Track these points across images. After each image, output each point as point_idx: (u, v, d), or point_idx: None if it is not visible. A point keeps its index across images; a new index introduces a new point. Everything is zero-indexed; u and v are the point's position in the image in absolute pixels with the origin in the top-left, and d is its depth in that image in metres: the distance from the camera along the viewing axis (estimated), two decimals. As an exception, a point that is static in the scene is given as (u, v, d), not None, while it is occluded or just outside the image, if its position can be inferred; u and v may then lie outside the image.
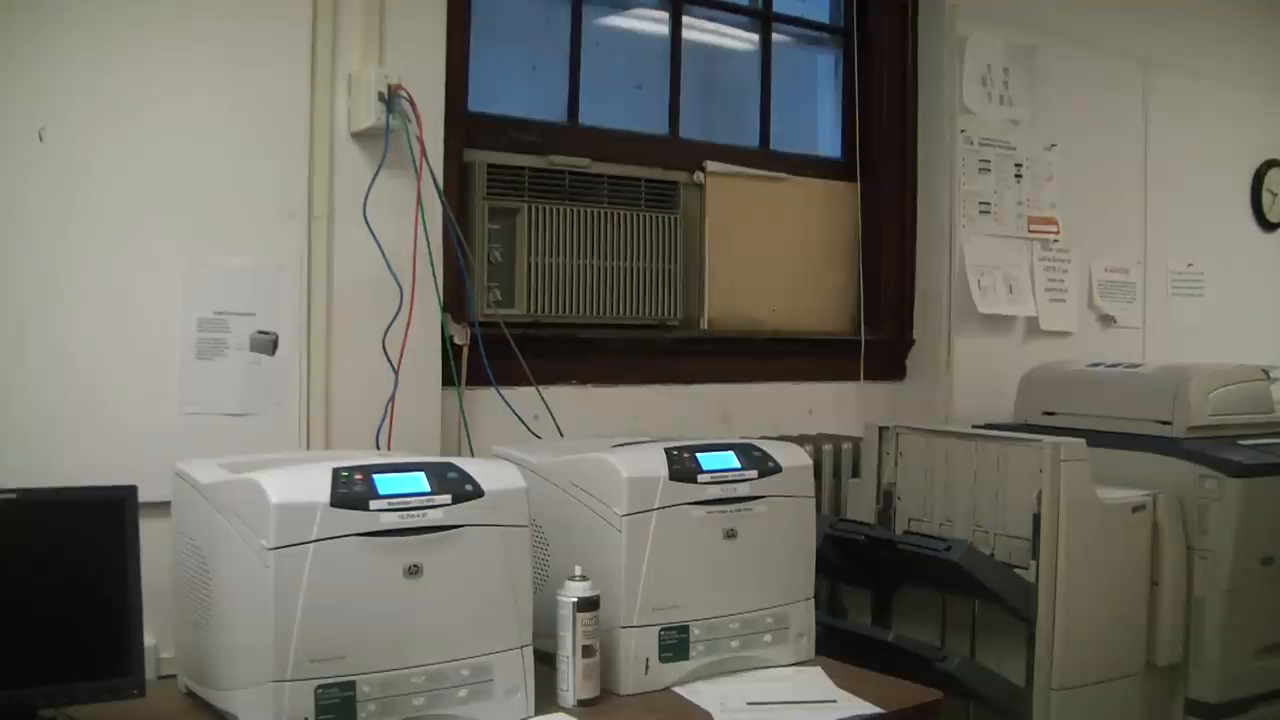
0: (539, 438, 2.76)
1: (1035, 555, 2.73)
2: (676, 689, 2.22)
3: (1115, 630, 2.94)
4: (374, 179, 2.52)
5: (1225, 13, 4.53)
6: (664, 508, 2.21)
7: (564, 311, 2.96)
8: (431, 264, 2.60)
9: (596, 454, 2.27)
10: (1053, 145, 3.91)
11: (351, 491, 1.86)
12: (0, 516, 1.84)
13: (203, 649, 2.01)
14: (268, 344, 2.43)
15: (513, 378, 2.77)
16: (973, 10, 3.70)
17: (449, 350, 2.69)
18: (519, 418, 2.76)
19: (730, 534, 2.28)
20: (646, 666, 2.21)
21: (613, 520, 2.19)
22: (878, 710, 2.13)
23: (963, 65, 3.66)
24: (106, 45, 2.25)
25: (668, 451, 2.26)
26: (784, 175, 3.44)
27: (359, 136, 2.54)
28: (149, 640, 1.99)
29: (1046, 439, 2.81)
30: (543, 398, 2.81)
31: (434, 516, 1.91)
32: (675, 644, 2.24)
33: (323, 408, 2.49)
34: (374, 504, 1.87)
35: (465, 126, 2.83)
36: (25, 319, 2.18)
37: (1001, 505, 2.82)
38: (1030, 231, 3.84)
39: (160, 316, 2.32)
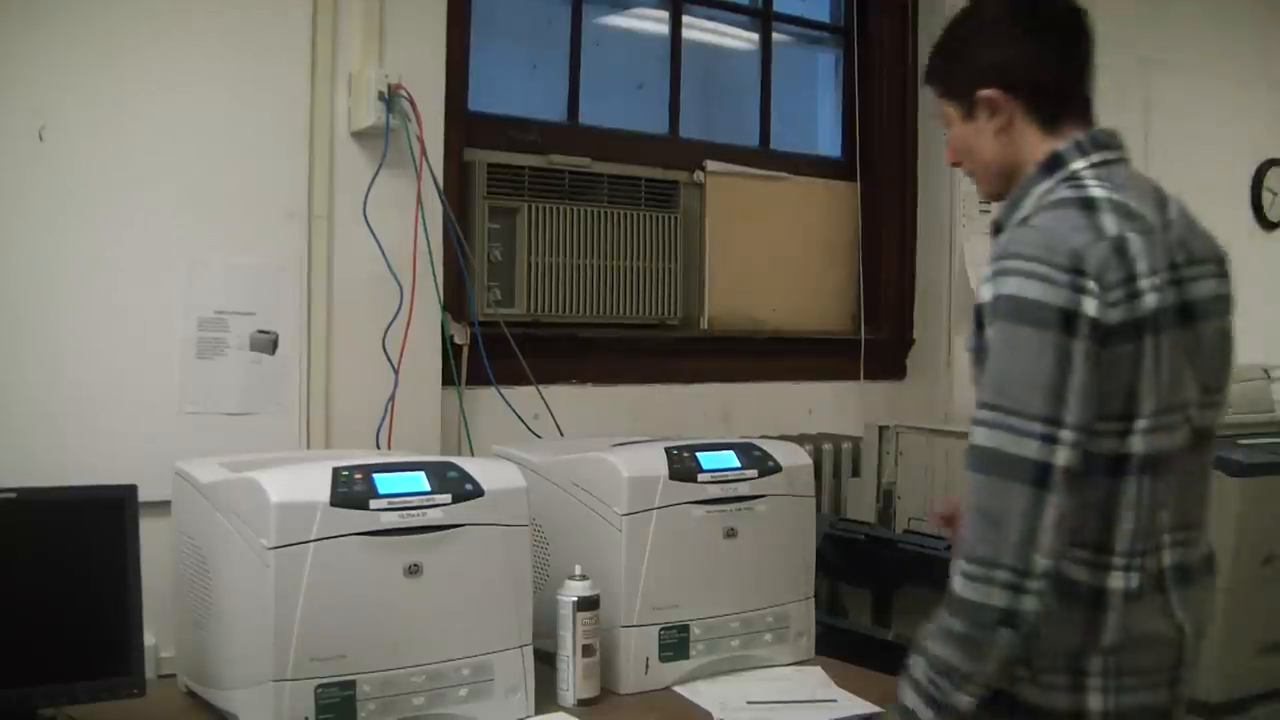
0: (539, 437, 2.76)
1: (1035, 554, 2.73)
2: (677, 688, 2.22)
3: (1116, 629, 2.94)
4: (374, 178, 2.52)
5: (1225, 13, 4.53)
6: (664, 507, 2.21)
7: (564, 311, 2.96)
8: (431, 263, 2.60)
9: (596, 453, 2.28)
10: (1053, 144, 3.90)
11: (352, 491, 1.86)
12: (0, 516, 1.84)
13: (203, 648, 2.01)
14: (268, 343, 2.43)
15: (513, 377, 2.77)
16: (973, 9, 3.69)
17: (449, 350, 2.68)
18: (519, 417, 2.76)
19: (730, 533, 2.28)
20: (646, 666, 2.21)
21: (613, 520, 2.19)
22: (878, 709, 2.13)
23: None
24: (106, 45, 2.25)
25: (668, 451, 2.26)
26: (784, 175, 3.44)
27: (359, 136, 2.53)
28: (149, 640, 1.99)
29: (1047, 438, 2.81)
30: (543, 397, 2.81)
31: (434, 516, 1.91)
32: (675, 643, 2.24)
33: (323, 407, 2.49)
34: (374, 503, 1.87)
35: (465, 126, 2.82)
36: (25, 318, 2.18)
37: (1002, 504, 2.82)
38: (1030, 231, 3.83)
39: (160, 316, 2.32)
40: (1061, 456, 1.45)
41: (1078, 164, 1.60)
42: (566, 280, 2.96)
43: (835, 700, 2.19)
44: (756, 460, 2.32)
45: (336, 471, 1.88)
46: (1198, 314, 1.59)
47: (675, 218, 3.14)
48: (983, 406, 1.49)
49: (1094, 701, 1.54)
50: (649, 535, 2.19)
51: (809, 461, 2.45)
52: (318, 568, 1.81)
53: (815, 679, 2.31)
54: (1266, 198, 4.71)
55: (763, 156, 3.47)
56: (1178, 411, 1.56)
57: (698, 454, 2.27)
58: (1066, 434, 1.45)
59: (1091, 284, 1.47)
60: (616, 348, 3.06)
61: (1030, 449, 1.45)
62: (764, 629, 2.35)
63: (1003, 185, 1.68)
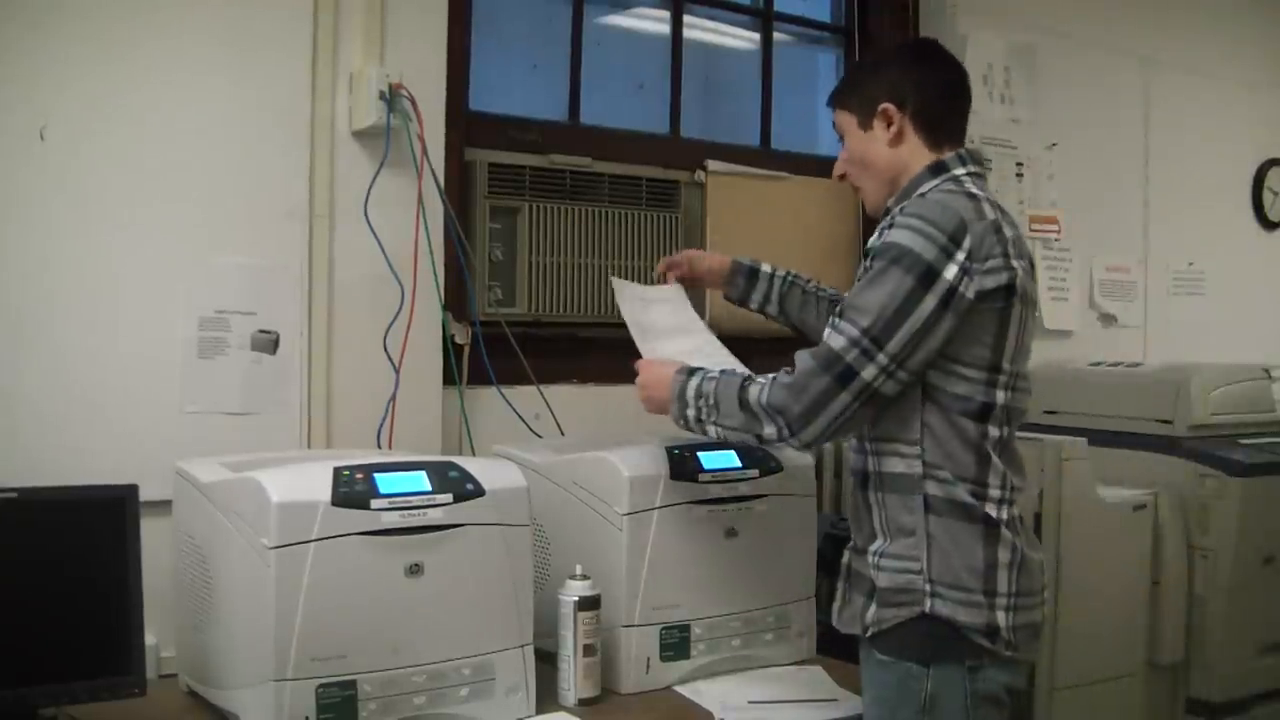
0: (540, 437, 2.76)
1: (1036, 554, 2.73)
2: (677, 688, 2.22)
3: (1116, 629, 2.95)
4: (375, 178, 2.52)
5: (1225, 12, 4.53)
6: (665, 506, 2.21)
7: (565, 310, 2.96)
8: (432, 263, 2.60)
9: (597, 453, 2.27)
10: (1054, 144, 3.91)
11: (353, 490, 1.86)
12: (1, 516, 1.84)
13: (204, 648, 2.01)
14: (269, 343, 2.43)
15: (514, 377, 2.77)
16: (974, 9, 3.70)
17: (450, 349, 2.68)
18: (520, 417, 2.76)
19: (731, 533, 2.28)
20: (647, 665, 2.21)
21: (614, 519, 2.19)
22: (879, 709, 2.13)
23: (964, 64, 3.66)
24: (107, 44, 2.25)
25: (669, 450, 2.26)
26: (785, 174, 3.43)
27: (360, 135, 2.53)
28: (150, 639, 1.99)
29: (1048, 438, 2.81)
30: (544, 397, 2.80)
31: (435, 515, 1.91)
32: (676, 643, 2.24)
33: (324, 407, 2.49)
34: (375, 503, 1.87)
35: (466, 125, 2.82)
36: (26, 318, 2.18)
37: (1002, 504, 2.82)
38: (1031, 230, 3.84)
39: (161, 315, 2.31)
40: (869, 373, 1.79)
41: (959, 171, 1.94)
42: (567, 280, 2.95)
43: (835, 700, 2.19)
44: (758, 460, 2.32)
45: (337, 471, 1.88)
46: (1032, 304, 1.91)
47: (676, 217, 3.14)
48: (838, 315, 1.83)
49: (1002, 618, 1.82)
50: (650, 535, 2.19)
51: (810, 461, 2.45)
52: (319, 567, 1.81)
53: (816, 678, 2.31)
54: (1267, 197, 4.72)
55: (763, 156, 3.47)
56: (1026, 378, 1.91)
57: (699, 453, 2.27)
58: (882, 358, 1.78)
59: (960, 255, 1.79)
60: (617, 347, 3.03)
61: (851, 355, 1.79)
62: (765, 629, 2.35)
63: (886, 194, 2.00)
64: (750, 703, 2.16)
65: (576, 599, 2.12)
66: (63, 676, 1.85)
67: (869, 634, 1.89)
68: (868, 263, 1.85)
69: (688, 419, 2.00)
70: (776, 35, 3.56)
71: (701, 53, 3.43)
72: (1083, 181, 3.98)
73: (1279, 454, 3.19)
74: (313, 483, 1.85)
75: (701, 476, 2.24)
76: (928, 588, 1.83)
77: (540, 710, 2.05)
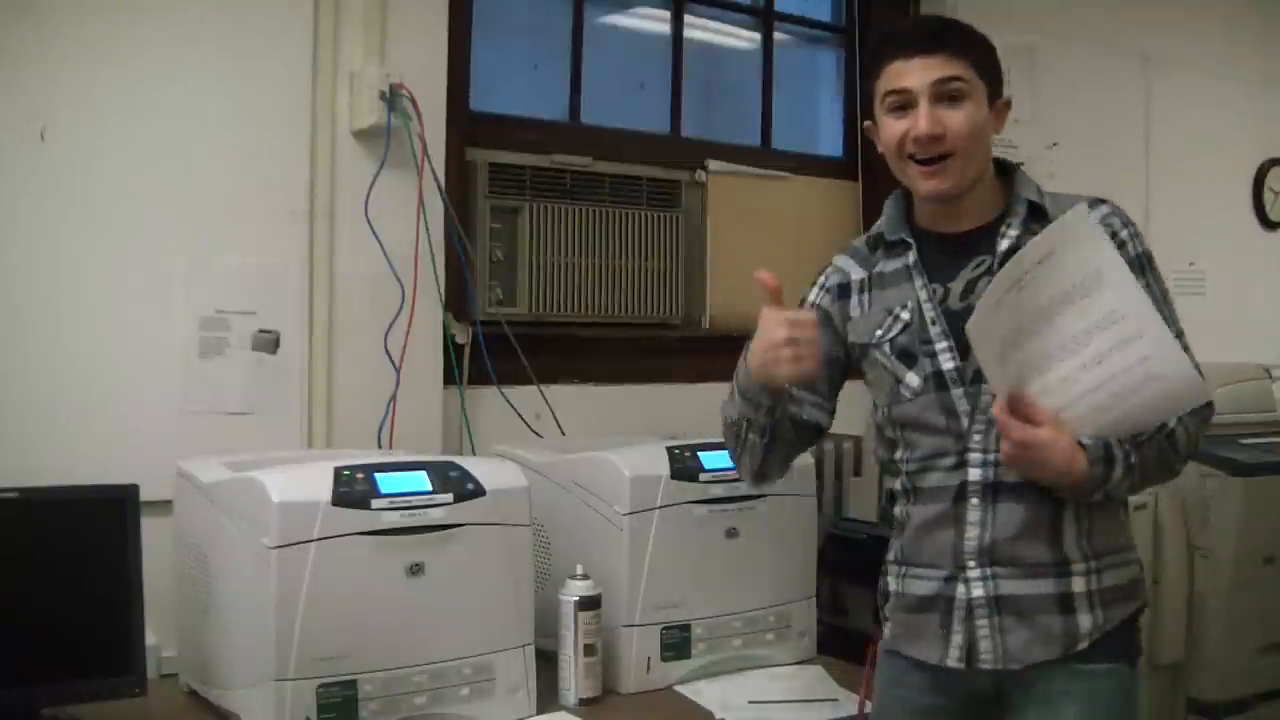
0: (540, 436, 2.76)
1: (1037, 554, 2.72)
2: (678, 688, 2.22)
3: (1117, 629, 2.94)
4: (376, 177, 2.52)
5: (1225, 11, 4.53)
6: (666, 506, 2.21)
7: (566, 310, 2.96)
8: (433, 263, 2.60)
9: (598, 453, 2.28)
10: (1054, 144, 3.90)
11: (353, 490, 1.86)
12: (1, 516, 1.84)
13: (204, 648, 2.01)
14: (269, 342, 2.43)
15: (514, 376, 2.77)
16: (974, 9, 3.68)
17: (451, 349, 2.68)
18: (520, 417, 2.76)
19: (732, 533, 2.28)
20: (648, 665, 2.21)
21: (614, 519, 2.19)
22: (879, 709, 2.12)
23: (964, 64, 3.66)
24: (107, 44, 2.25)
25: (669, 450, 2.26)
26: (785, 174, 3.43)
27: (361, 135, 2.53)
28: (150, 639, 1.99)
29: (1048, 438, 2.80)
30: (544, 396, 2.81)
31: (436, 515, 1.91)
32: (677, 643, 2.24)
33: (324, 406, 2.49)
34: (376, 503, 1.87)
35: (467, 125, 2.82)
36: (26, 318, 2.19)
37: (1003, 504, 2.82)
38: (1032, 230, 3.83)
39: (162, 315, 2.32)
40: None
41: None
42: (568, 280, 2.95)
43: (836, 700, 2.19)
44: (758, 460, 2.32)
45: (338, 471, 1.88)
46: None
47: (677, 217, 3.14)
48: (1181, 334, 1.68)
49: None
50: (650, 535, 2.19)
51: (810, 461, 2.46)
52: (319, 567, 1.82)
53: (816, 678, 2.31)
54: (1268, 197, 4.71)
55: (764, 156, 3.47)
56: None
57: (699, 453, 2.27)
58: None
59: None
60: (618, 347, 3.06)
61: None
62: (765, 628, 2.35)
63: (972, 178, 1.79)
64: (750, 703, 2.16)
65: (577, 599, 2.12)
66: (63, 676, 1.85)
67: (1081, 646, 1.66)
68: (1149, 276, 1.71)
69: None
70: (777, 35, 3.56)
71: (702, 53, 3.43)
72: (1084, 181, 3.94)
73: (1279, 454, 3.19)
74: (313, 482, 1.86)
75: (702, 476, 2.25)
76: (1144, 576, 1.74)
77: (541, 710, 2.06)
